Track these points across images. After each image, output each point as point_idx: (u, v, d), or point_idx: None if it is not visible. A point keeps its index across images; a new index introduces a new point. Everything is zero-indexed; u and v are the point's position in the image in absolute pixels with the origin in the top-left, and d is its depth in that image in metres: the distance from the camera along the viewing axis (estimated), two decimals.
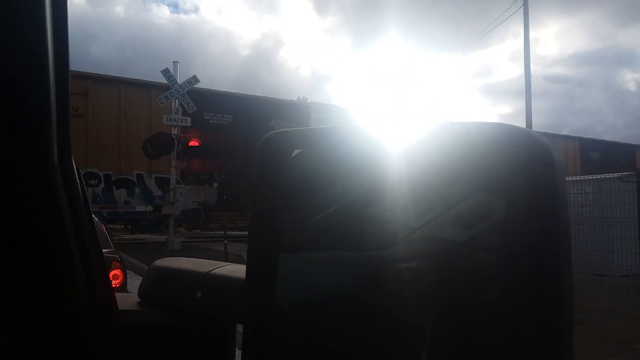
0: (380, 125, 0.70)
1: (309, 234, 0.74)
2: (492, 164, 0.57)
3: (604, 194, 7.34)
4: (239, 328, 0.92)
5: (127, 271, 5.93)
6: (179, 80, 16.18)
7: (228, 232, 15.10)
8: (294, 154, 0.72)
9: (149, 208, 18.04)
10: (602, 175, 8.58)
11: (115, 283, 5.10)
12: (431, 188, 0.63)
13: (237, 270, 0.97)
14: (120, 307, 0.83)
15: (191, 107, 16.25)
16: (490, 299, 0.58)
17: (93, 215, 0.80)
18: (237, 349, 1.02)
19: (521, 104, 19.68)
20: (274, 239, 0.71)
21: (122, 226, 20.76)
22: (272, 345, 0.70)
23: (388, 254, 0.66)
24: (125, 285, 5.46)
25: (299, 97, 24.29)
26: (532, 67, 18.36)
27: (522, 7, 18.87)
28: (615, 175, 8.20)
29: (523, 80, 18.98)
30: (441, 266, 0.62)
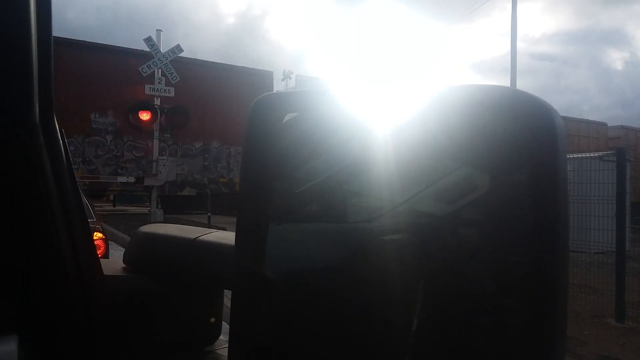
0: (370, 94, 0.68)
1: (296, 204, 0.73)
2: (489, 130, 0.55)
3: (584, 172, 7.44)
4: (227, 294, 0.92)
5: (109, 242, 5.90)
6: (162, 49, 15.85)
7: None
8: (286, 119, 0.69)
9: (131, 179, 17.85)
10: (582, 154, 8.70)
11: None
12: (418, 160, 0.62)
13: (225, 236, 0.96)
14: (105, 273, 0.83)
15: (175, 77, 15.95)
16: (473, 274, 0.58)
17: None
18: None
19: (507, 81, 19.72)
20: (263, 208, 0.69)
21: (104, 197, 20.55)
22: (260, 312, 0.70)
23: (373, 227, 0.66)
24: (107, 256, 5.44)
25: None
26: (518, 44, 18.33)
27: None
28: (595, 154, 8.33)
29: (508, 57, 18.99)
30: (424, 239, 0.62)
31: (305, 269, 0.71)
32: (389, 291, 0.62)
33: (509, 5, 18.74)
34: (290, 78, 26.74)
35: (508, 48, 18.84)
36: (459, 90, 0.59)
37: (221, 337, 1.05)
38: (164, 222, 15.70)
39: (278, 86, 24.44)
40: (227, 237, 0.96)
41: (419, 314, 0.60)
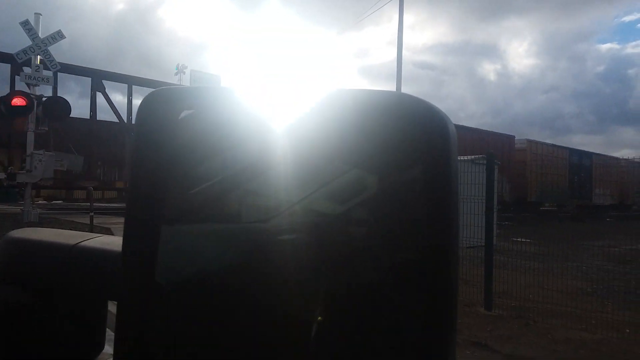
0: (266, 93, 0.68)
1: (191, 204, 0.70)
2: (381, 132, 0.58)
3: (458, 173, 8.02)
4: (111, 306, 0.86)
5: None
6: (42, 35, 14.56)
7: (95, 204, 14.12)
8: (182, 115, 0.66)
9: (2, 175, 16.16)
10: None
11: None
12: (313, 161, 0.64)
13: (110, 242, 0.89)
14: None
15: (55, 65, 14.73)
16: (366, 272, 0.60)
17: None
18: (107, 330, 0.96)
19: (394, 86, 20.78)
20: (155, 209, 0.65)
21: None
22: (150, 324, 0.65)
23: (269, 227, 0.66)
24: None
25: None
26: (403, 53, 19.35)
27: None
28: (468, 157, 9.10)
29: (394, 64, 20.03)
30: (317, 238, 0.63)
31: (199, 273, 0.68)
32: (285, 291, 0.63)
33: (396, 16, 19.74)
34: (184, 73, 25.96)
35: (393, 55, 19.81)
36: (352, 94, 0.61)
37: (106, 346, 0.97)
38: (39, 221, 14.25)
39: (171, 80, 23.61)
40: (113, 242, 0.88)
41: (316, 313, 0.61)
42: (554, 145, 34.67)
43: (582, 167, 35.17)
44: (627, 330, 5.61)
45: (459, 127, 29.01)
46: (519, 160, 30.62)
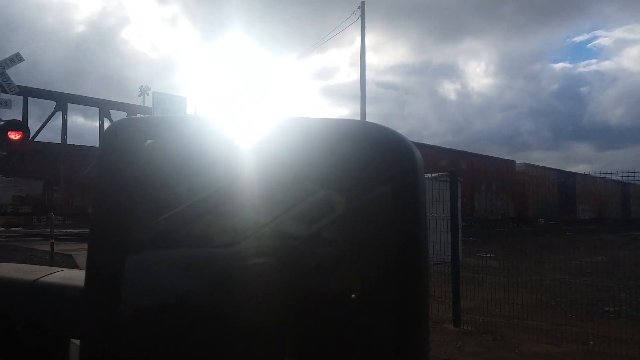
0: (232, 119, 0.69)
1: (156, 232, 0.69)
2: (350, 160, 0.60)
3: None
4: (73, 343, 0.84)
5: None
6: None
7: (55, 230, 13.67)
8: (145, 144, 0.66)
9: None
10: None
11: None
12: (280, 184, 0.64)
13: (72, 276, 0.86)
14: None
15: (13, 89, 14.36)
16: (337, 291, 0.60)
17: None
18: None
19: (358, 107, 21.15)
20: (119, 239, 0.63)
21: None
22: (116, 358, 0.63)
23: (236, 251, 0.65)
24: None
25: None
26: (366, 74, 19.87)
27: (360, 18, 20.26)
28: (431, 175, 9.26)
29: (359, 85, 20.39)
30: (286, 261, 0.63)
31: (166, 303, 0.66)
32: (256, 318, 0.62)
33: (358, 38, 20.20)
34: (148, 94, 25.76)
35: (356, 76, 20.27)
36: (323, 123, 0.63)
37: None
38: None
39: (134, 102, 23.32)
40: (75, 277, 0.86)
41: (287, 338, 0.61)
42: (545, 168, 39.95)
43: (567, 186, 39.99)
44: (591, 342, 5.75)
45: (470, 155, 33.44)
46: (519, 181, 34.87)
